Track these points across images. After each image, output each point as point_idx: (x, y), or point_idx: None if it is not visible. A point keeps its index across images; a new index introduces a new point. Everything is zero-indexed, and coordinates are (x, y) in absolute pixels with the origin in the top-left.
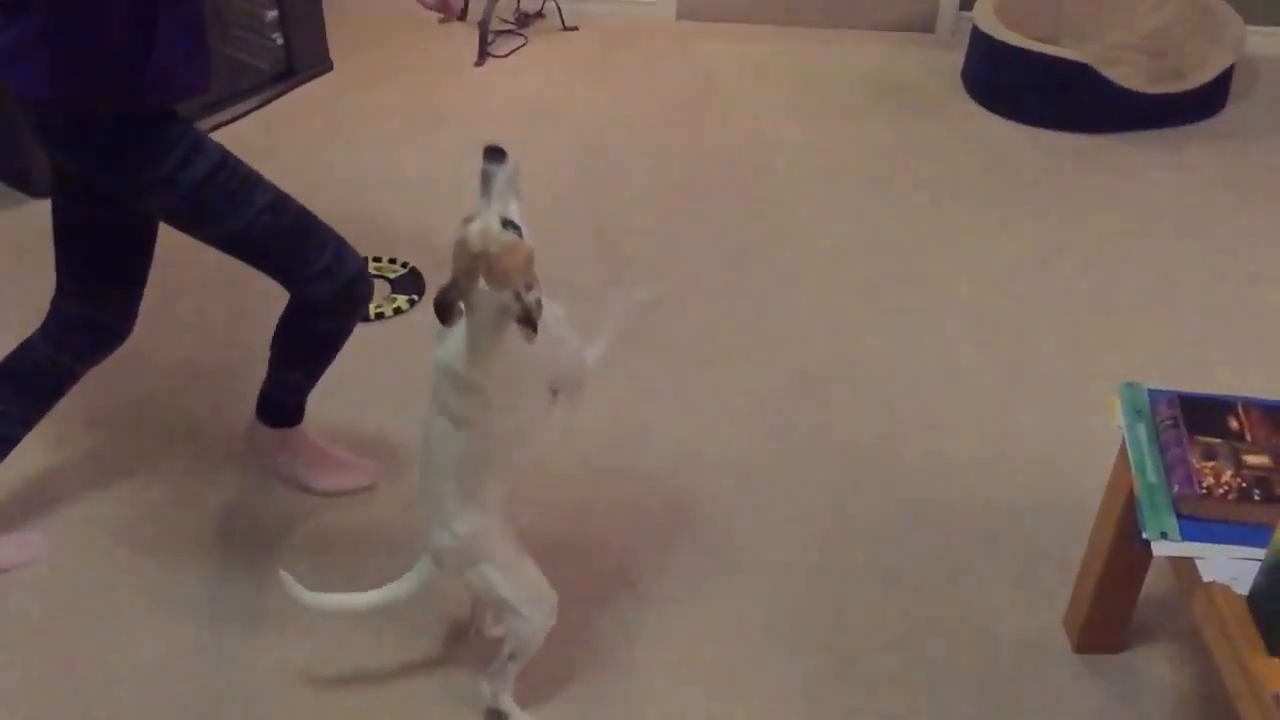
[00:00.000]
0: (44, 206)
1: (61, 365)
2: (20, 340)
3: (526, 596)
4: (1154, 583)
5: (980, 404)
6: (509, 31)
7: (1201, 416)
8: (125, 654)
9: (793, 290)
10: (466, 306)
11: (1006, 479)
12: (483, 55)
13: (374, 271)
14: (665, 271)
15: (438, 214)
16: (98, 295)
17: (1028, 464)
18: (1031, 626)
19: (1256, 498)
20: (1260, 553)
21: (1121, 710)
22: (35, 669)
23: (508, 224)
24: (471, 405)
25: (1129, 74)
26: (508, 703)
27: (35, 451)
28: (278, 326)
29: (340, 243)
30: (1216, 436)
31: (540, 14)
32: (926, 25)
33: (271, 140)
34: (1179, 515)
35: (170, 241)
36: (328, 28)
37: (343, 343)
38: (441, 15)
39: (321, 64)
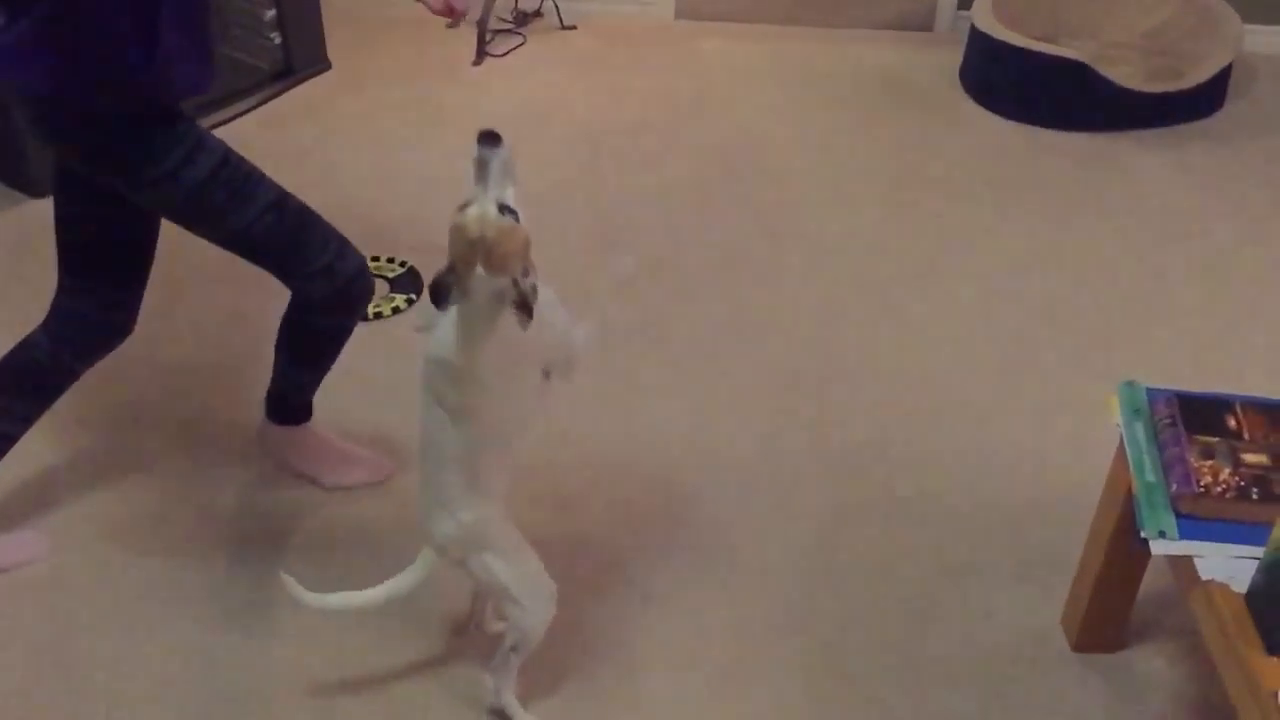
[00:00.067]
0: (43, 206)
1: (62, 362)
2: (20, 339)
3: (527, 586)
4: (1152, 581)
5: (978, 402)
6: (507, 31)
7: (1200, 415)
8: (125, 654)
9: (790, 288)
10: (461, 292)
11: (1006, 478)
12: (481, 55)
13: (373, 271)
14: (663, 270)
15: (436, 213)
16: (99, 292)
17: (1026, 463)
18: (1030, 625)
19: (1254, 496)
20: (1258, 551)
21: (1120, 709)
22: (34, 669)
23: (504, 209)
24: (467, 395)
25: (1127, 73)
26: (510, 699)
27: (34, 451)
28: (280, 326)
29: (341, 241)
30: (1215, 435)
31: (538, 13)
32: (924, 24)
33: (269, 140)
34: (1177, 514)
35: (169, 241)
36: (326, 27)
37: (344, 340)
38: (449, 20)
39: (320, 63)
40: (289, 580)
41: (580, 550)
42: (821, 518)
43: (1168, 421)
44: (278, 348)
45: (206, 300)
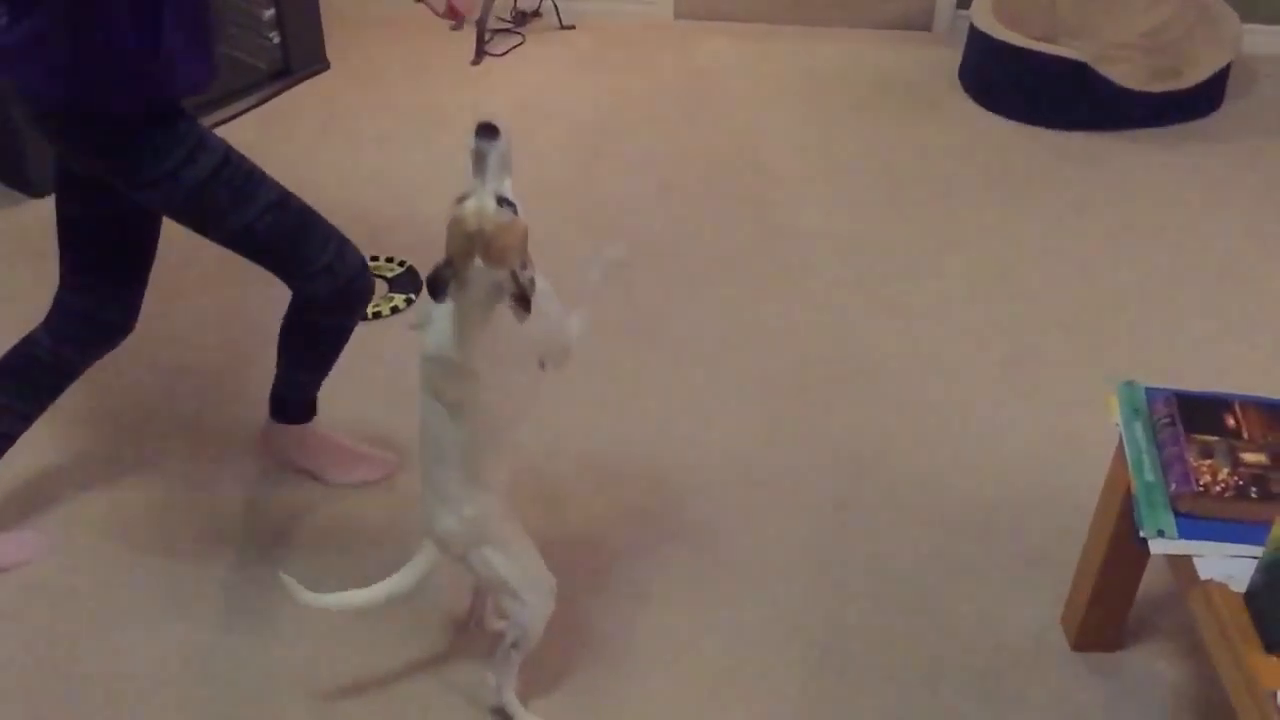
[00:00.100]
0: (42, 206)
1: (63, 359)
2: (9, 349)
3: (527, 581)
4: (1151, 581)
5: (977, 402)
6: (506, 30)
7: (1199, 415)
8: (124, 654)
9: (789, 288)
10: (459, 285)
11: (1004, 477)
12: (480, 54)
13: (371, 271)
14: (661, 269)
15: (435, 213)
16: (100, 289)
17: (1025, 462)
18: (1029, 624)
19: (1253, 496)
20: (1257, 550)
21: (1119, 707)
22: (34, 669)
23: (503, 201)
24: (465, 389)
25: (1126, 72)
26: (511, 697)
27: (33, 450)
28: (282, 326)
29: (342, 240)
30: (1213, 435)
31: (538, 13)
32: (924, 23)
33: (268, 139)
34: (1176, 513)
35: (168, 240)
36: (325, 27)
37: (345, 339)
38: (453, 23)
39: (318, 63)
40: (289, 581)
41: (579, 550)
42: (820, 517)
43: (1167, 421)
44: (280, 348)
45: (206, 300)
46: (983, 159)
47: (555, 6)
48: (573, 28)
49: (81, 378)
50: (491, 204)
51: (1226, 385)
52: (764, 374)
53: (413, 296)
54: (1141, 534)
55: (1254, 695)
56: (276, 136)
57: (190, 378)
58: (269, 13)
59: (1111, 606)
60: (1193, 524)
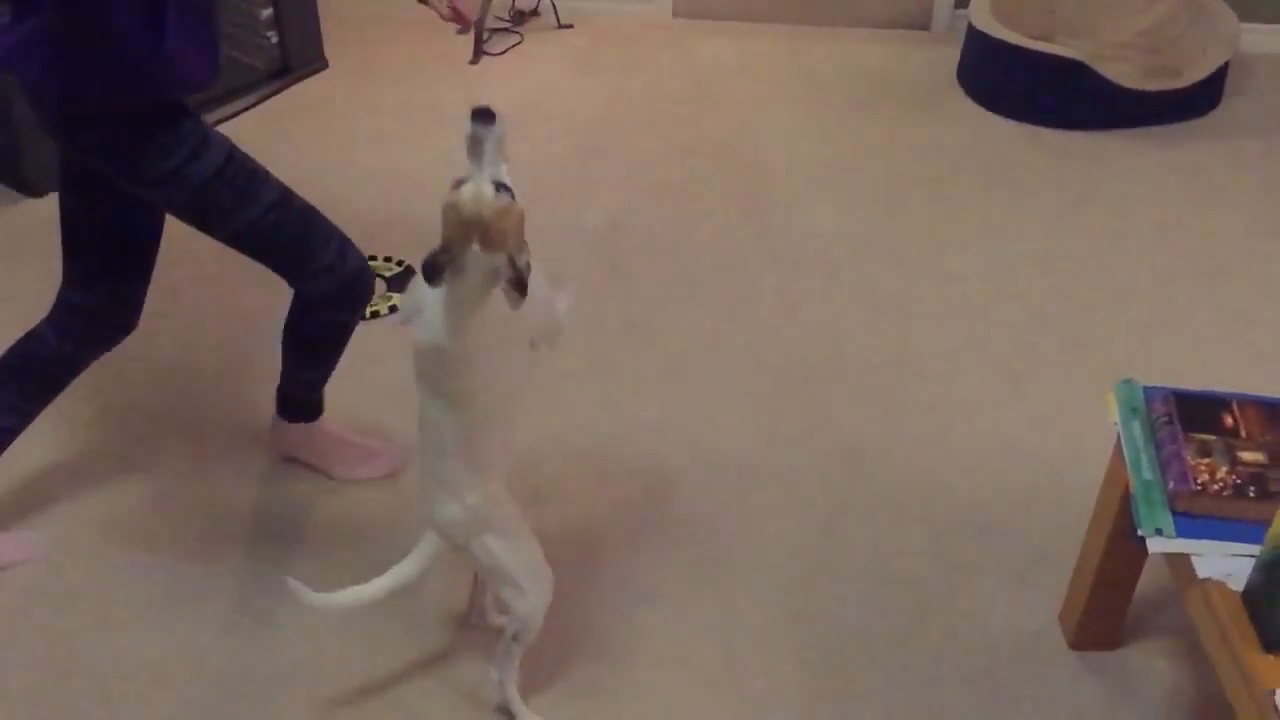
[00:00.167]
0: (40, 206)
1: (65, 355)
2: (11, 345)
3: (527, 570)
4: (1149, 579)
5: (976, 401)
6: (504, 29)
7: (1196, 413)
8: (123, 654)
9: (788, 287)
10: (455, 270)
11: (1002, 475)
12: (478, 53)
13: None
14: (660, 268)
15: (433, 213)
16: (103, 287)
17: (1023, 461)
18: (1027, 623)
19: (1251, 494)
20: (1255, 549)
21: (1117, 706)
22: (33, 669)
23: (500, 186)
24: (462, 377)
25: (1124, 71)
26: (513, 694)
27: (32, 450)
28: (285, 325)
29: (343, 239)
30: (1211, 433)
31: (535, 12)
32: (922, 23)
33: (266, 139)
34: (1174, 512)
35: (168, 239)
36: (323, 26)
37: (347, 337)
38: (459, 26)
39: (316, 62)
40: (295, 585)
41: (579, 548)
42: (819, 515)
43: (1165, 420)
44: (283, 347)
45: (205, 299)
46: (981, 158)
47: (553, 6)
48: (571, 27)
49: (81, 377)
50: (489, 189)
51: (1224, 384)
52: (763, 373)
53: None
54: (1140, 533)
55: (1252, 694)
56: (274, 136)
57: (188, 377)
58: (267, 12)
59: (1110, 605)
60: (1191, 523)
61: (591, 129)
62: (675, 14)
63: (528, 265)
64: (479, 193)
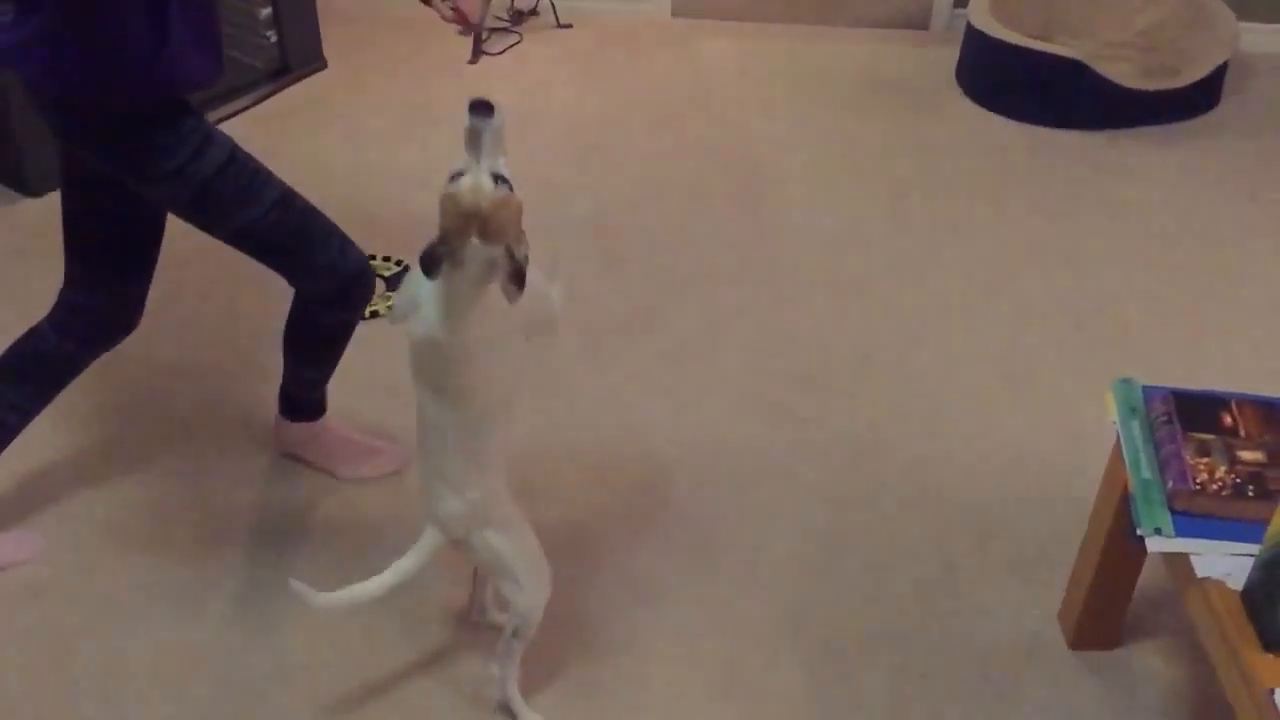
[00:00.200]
0: (38, 205)
1: (67, 353)
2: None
3: (526, 564)
4: (1148, 579)
5: (975, 400)
6: (503, 29)
7: (1195, 413)
8: (121, 653)
9: (787, 286)
10: (453, 263)
11: (1001, 475)
12: (477, 53)
13: None
14: (659, 266)
15: (432, 212)
16: (105, 285)
17: (1022, 460)
18: (1026, 623)
19: (1250, 494)
20: (1254, 548)
21: (1116, 706)
22: (31, 669)
23: (498, 179)
24: (460, 371)
25: (1123, 71)
26: (514, 691)
27: (32, 450)
28: (286, 325)
29: (344, 239)
30: (1210, 433)
31: (535, 11)
32: (921, 22)
33: (265, 138)
34: (1173, 511)
35: (168, 239)
36: (322, 25)
37: (348, 336)
38: (461, 28)
39: (315, 62)
40: (300, 587)
41: (578, 546)
42: (819, 514)
43: (1164, 419)
44: (284, 346)
45: (206, 300)
46: (980, 157)
47: (553, 5)
48: (570, 26)
49: (81, 377)
50: (488, 181)
51: (1223, 383)
52: (762, 372)
53: None
54: (1139, 532)
55: (1251, 693)
56: (273, 135)
57: (190, 377)
58: (266, 11)
59: (1109, 605)
60: (1190, 522)
61: (590, 129)
62: (674, 13)
63: (526, 257)
64: (478, 184)
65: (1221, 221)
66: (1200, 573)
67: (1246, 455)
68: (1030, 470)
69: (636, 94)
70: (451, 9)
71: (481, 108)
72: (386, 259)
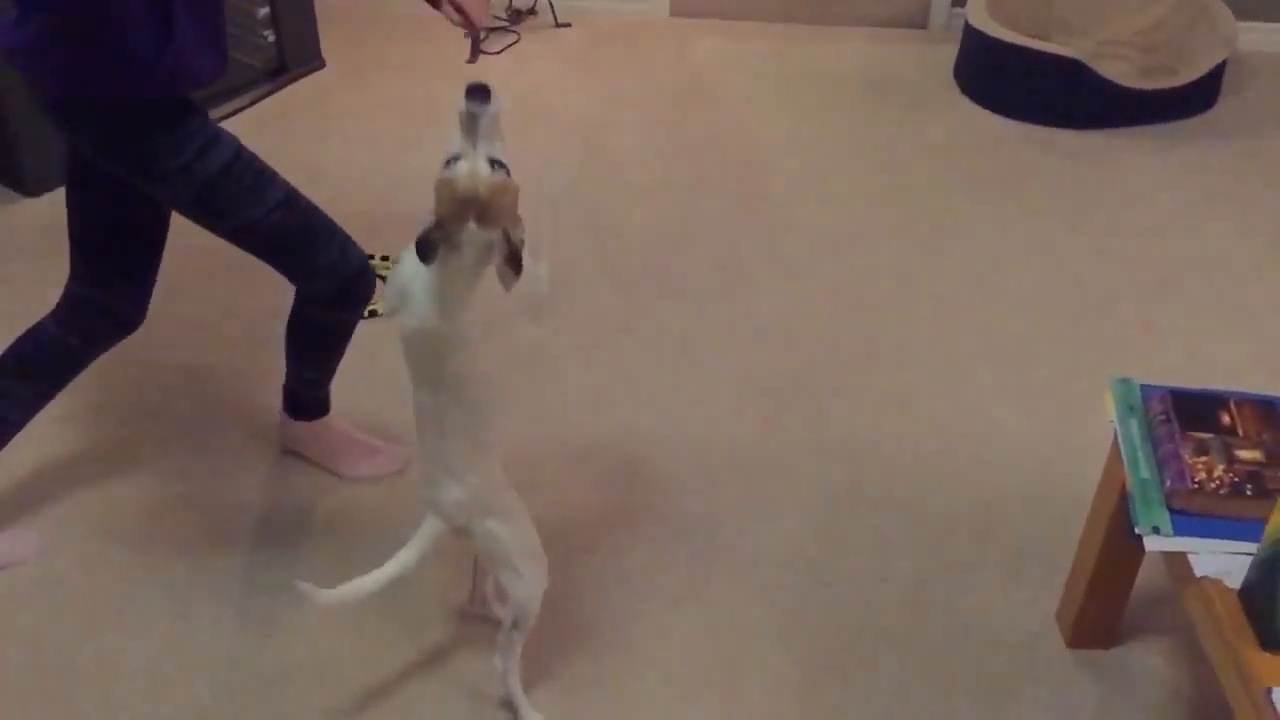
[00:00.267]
0: (38, 205)
1: (70, 350)
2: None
3: (525, 552)
4: (1147, 578)
5: (973, 399)
6: (502, 28)
7: (1194, 412)
8: (123, 654)
9: (785, 286)
10: (449, 248)
11: (1000, 474)
12: (475, 52)
13: None
14: (656, 266)
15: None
16: (109, 282)
17: (1021, 459)
18: (1025, 622)
19: (1249, 493)
20: (1252, 547)
21: (1114, 705)
22: (30, 669)
23: (495, 164)
24: (457, 357)
25: (1121, 70)
26: (515, 686)
27: (31, 449)
28: (287, 325)
29: (345, 238)
30: (1209, 432)
31: (533, 10)
32: (919, 21)
33: (263, 138)
34: (1171, 510)
35: (170, 238)
36: (320, 24)
37: (349, 335)
38: (468, 31)
39: (314, 61)
40: (305, 586)
41: (577, 545)
42: (816, 514)
43: (1162, 418)
44: (286, 346)
45: (207, 298)
46: (978, 156)
47: (551, 5)
48: (568, 25)
49: (81, 376)
50: (485, 167)
51: (1221, 382)
52: (760, 371)
53: None
54: (1137, 531)
55: (1250, 692)
56: (272, 135)
57: (192, 377)
58: (264, 11)
59: (1107, 604)
60: (1188, 521)
61: (588, 127)
62: (672, 12)
63: (522, 241)
64: (475, 170)
65: (1220, 220)
66: (1198, 571)
67: (1245, 454)
68: (1028, 470)
69: (634, 93)
70: (457, 12)
71: (478, 92)
72: (385, 258)
